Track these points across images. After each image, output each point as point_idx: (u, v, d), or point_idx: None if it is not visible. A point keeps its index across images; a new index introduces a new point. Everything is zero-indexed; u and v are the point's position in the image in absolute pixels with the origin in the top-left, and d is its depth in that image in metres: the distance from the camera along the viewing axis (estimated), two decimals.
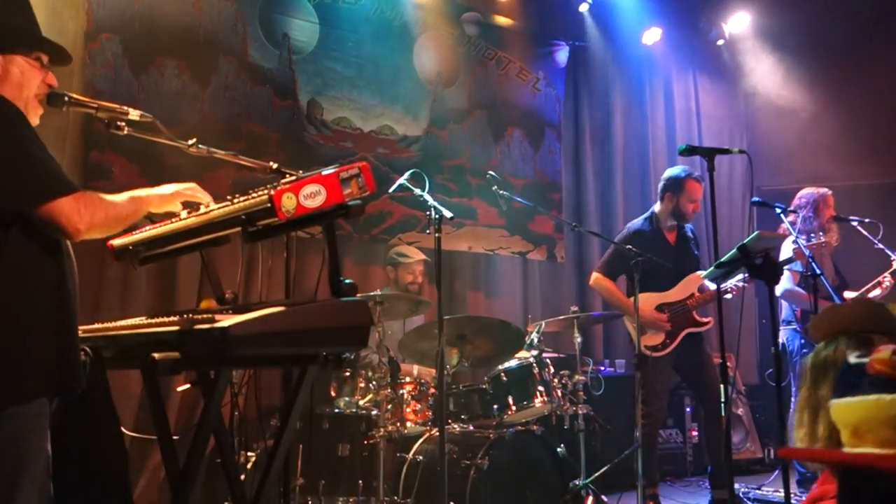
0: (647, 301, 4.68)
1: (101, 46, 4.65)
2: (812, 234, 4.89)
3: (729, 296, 4.70)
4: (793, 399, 5.05)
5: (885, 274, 4.95)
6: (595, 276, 4.93)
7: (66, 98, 2.27)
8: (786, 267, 4.96)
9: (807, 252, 4.55)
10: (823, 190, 5.15)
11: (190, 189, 2.44)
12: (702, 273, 4.82)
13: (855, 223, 5.02)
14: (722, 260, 3.43)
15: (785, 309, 5.16)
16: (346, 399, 4.27)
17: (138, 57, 4.77)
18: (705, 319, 4.81)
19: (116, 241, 2.53)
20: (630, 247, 4.57)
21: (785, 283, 4.88)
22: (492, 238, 6.21)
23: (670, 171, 4.95)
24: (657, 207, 4.93)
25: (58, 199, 1.97)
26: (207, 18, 5.04)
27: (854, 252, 5.22)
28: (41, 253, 2.03)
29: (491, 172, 4.54)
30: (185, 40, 4.94)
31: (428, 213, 3.83)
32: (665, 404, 4.86)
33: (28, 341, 1.98)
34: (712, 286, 4.76)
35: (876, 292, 4.95)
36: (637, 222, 4.98)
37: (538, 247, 6.49)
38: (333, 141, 5.53)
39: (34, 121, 2.18)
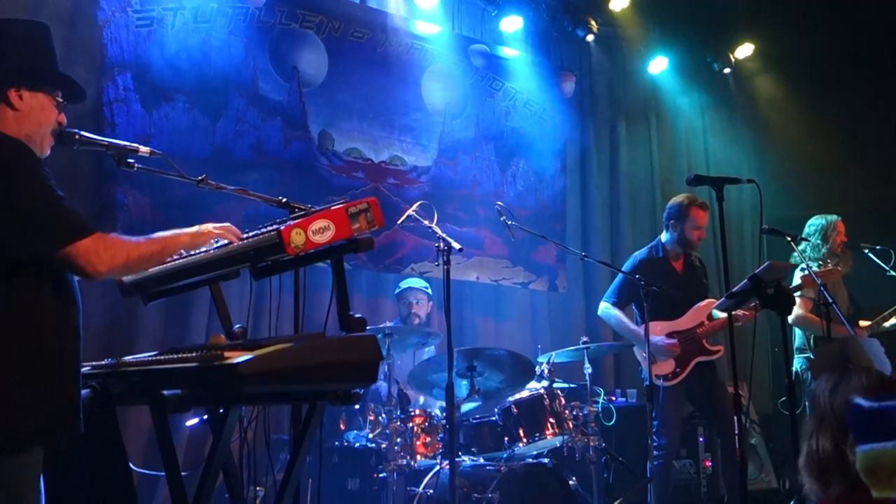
0: (657, 329, 4.65)
1: (113, 80, 4.71)
2: (821, 262, 4.87)
3: (739, 323, 4.66)
4: None
5: None
6: (603, 306, 4.90)
7: (77, 137, 2.29)
8: (797, 294, 4.93)
9: (817, 280, 4.52)
10: (832, 217, 5.12)
11: (222, 228, 2.39)
12: (708, 301, 4.80)
13: (867, 250, 4.98)
14: (733, 290, 3.41)
15: (798, 336, 5.11)
16: (356, 432, 4.25)
17: (149, 91, 4.82)
18: (716, 348, 4.77)
19: (126, 277, 2.54)
20: (639, 276, 4.55)
21: (797, 309, 4.84)
22: (497, 268, 6.21)
23: (674, 199, 4.93)
24: (663, 236, 4.92)
25: (76, 242, 1.98)
26: (218, 53, 5.11)
27: (866, 279, 5.18)
28: (49, 300, 2.02)
29: (499, 203, 4.55)
30: (196, 75, 5.00)
31: (437, 244, 3.84)
32: (678, 435, 4.79)
33: (30, 389, 1.96)
34: (720, 315, 4.74)
35: (893, 322, 4.89)
36: (643, 251, 4.97)
37: (540, 277, 6.47)
38: (345, 171, 5.56)
39: (46, 151, 2.21)
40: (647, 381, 4.49)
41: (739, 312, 4.58)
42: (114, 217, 4.58)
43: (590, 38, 6.80)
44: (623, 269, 4.94)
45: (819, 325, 4.65)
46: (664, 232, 4.92)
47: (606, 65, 7.04)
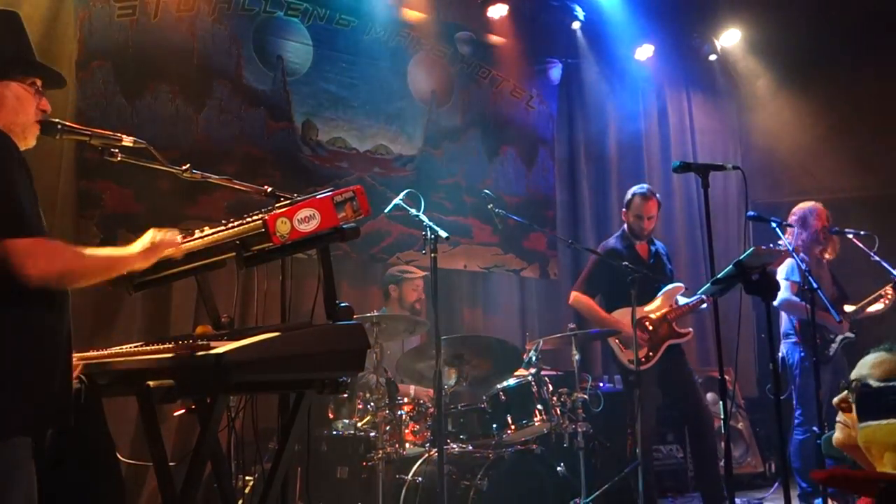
0: (628, 315, 4.69)
1: (93, 74, 4.64)
2: (806, 248, 4.94)
3: (704, 306, 4.77)
4: (796, 412, 5.03)
5: (887, 288, 4.94)
6: (574, 295, 4.97)
7: (60, 126, 2.27)
8: (783, 278, 4.98)
9: (803, 266, 4.57)
10: (815, 203, 5.17)
11: (172, 245, 2.32)
12: (676, 285, 4.90)
13: (850, 235, 5.03)
14: (718, 276, 3.43)
15: (784, 322, 5.16)
16: (345, 421, 4.25)
17: (131, 82, 4.77)
18: (685, 330, 4.86)
19: None
20: (627, 263, 4.59)
21: (783, 293, 4.89)
22: (486, 256, 6.21)
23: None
24: (625, 226, 5.02)
25: (13, 239, 1.91)
26: (201, 42, 5.06)
27: (850, 264, 5.23)
28: (37, 294, 2.00)
29: (486, 191, 4.55)
30: (178, 64, 4.95)
31: (424, 232, 3.84)
32: (653, 419, 4.85)
33: (16, 381, 1.95)
34: (683, 300, 4.83)
35: (878, 306, 4.94)
36: (610, 241, 5.08)
37: (531, 264, 6.48)
38: (329, 161, 5.53)
39: (31, 142, 2.18)
40: (624, 368, 4.54)
41: (700, 295, 4.65)
42: (94, 209, 4.54)
43: (576, 25, 6.80)
44: (592, 258, 4.99)
45: (804, 310, 4.70)
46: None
47: (593, 52, 7.04)
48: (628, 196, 4.99)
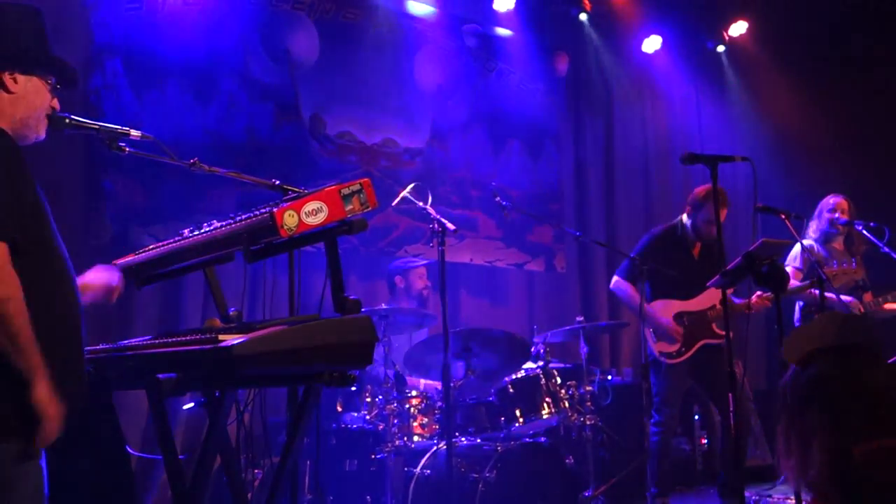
0: (668, 308, 4.65)
1: (103, 67, 4.67)
2: (822, 239, 4.92)
3: (751, 311, 4.65)
4: None
5: None
6: (615, 280, 4.89)
7: (67, 120, 2.28)
8: (787, 265, 4.94)
9: (812, 256, 4.56)
10: (834, 196, 5.12)
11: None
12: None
13: (859, 228, 4.99)
14: (727, 268, 3.42)
15: (795, 313, 5.12)
16: (353, 414, 4.26)
17: (140, 76, 4.78)
18: (723, 332, 4.76)
19: (119, 262, 2.54)
20: (634, 256, 4.57)
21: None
22: (489, 249, 6.20)
23: (699, 188, 4.83)
24: (684, 218, 4.86)
25: None
26: (209, 35, 5.06)
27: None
28: (41, 286, 1.98)
29: (494, 184, 4.54)
30: (187, 58, 4.96)
31: (431, 225, 3.84)
32: (677, 412, 4.80)
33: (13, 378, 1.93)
34: (736, 301, 4.73)
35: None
36: (660, 227, 4.94)
37: (536, 258, 6.46)
38: (337, 155, 5.54)
39: (42, 134, 2.19)
40: (644, 359, 4.51)
41: (753, 300, 4.56)
42: (102, 203, 4.55)
43: (583, 16, 6.77)
44: (640, 242, 4.91)
45: (808, 293, 4.66)
46: (685, 214, 4.89)
47: (600, 44, 7.01)
48: (696, 198, 4.72)
